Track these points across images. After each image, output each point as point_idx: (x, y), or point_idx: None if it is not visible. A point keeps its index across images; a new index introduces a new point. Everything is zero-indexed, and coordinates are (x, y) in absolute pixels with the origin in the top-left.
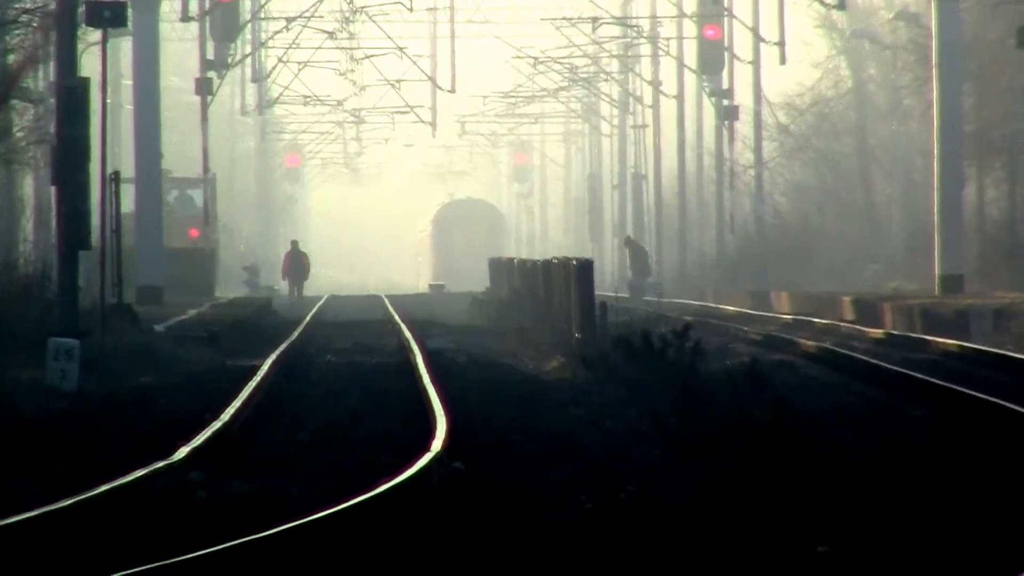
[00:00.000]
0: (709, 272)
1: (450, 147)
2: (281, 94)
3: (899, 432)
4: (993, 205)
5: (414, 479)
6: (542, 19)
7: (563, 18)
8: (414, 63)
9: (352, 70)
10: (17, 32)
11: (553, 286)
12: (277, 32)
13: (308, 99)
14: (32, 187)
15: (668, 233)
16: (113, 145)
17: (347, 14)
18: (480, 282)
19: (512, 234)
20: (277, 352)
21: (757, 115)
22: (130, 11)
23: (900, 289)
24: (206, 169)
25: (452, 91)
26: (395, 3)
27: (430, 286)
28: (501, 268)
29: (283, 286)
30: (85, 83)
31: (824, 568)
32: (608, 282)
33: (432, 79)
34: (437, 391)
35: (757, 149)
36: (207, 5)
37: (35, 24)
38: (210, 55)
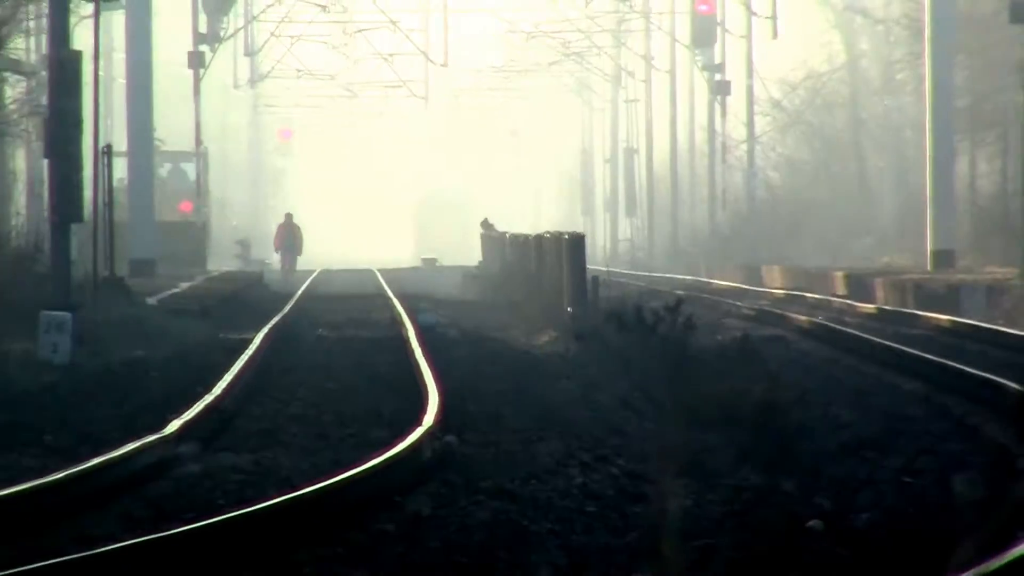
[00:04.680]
0: (701, 246)
1: (443, 121)
2: (273, 68)
3: (890, 406)
4: (985, 179)
5: (406, 452)
6: None
7: None
8: (407, 37)
9: (345, 44)
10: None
11: (545, 260)
12: (270, 6)
13: (301, 73)
14: (24, 160)
15: (660, 208)
16: (105, 118)
17: None
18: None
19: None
20: (269, 325)
21: (749, 90)
22: None
23: (892, 264)
24: (199, 142)
25: (445, 65)
26: None
27: (423, 260)
28: (493, 242)
29: (275, 259)
30: (77, 56)
31: (816, 543)
32: (600, 256)
33: (425, 53)
34: (429, 365)
35: (749, 124)
36: None
37: None
38: (203, 28)
